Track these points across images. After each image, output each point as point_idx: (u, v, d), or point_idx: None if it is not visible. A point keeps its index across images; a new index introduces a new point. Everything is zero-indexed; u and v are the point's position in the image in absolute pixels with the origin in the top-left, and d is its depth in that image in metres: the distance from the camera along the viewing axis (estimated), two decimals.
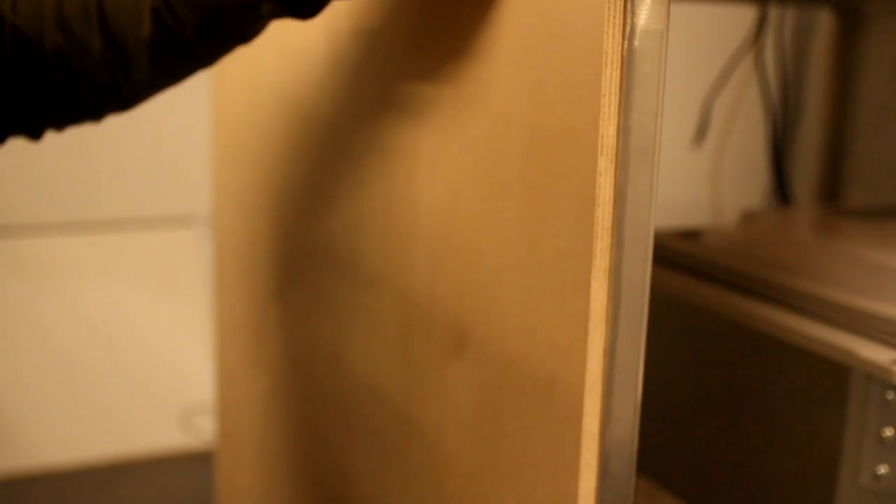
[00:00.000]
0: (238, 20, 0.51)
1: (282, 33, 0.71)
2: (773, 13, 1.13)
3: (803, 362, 0.60)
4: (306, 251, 0.72)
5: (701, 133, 1.12)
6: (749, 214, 0.85)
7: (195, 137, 1.20)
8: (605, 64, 0.40)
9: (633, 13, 0.39)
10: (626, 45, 0.40)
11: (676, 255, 0.75)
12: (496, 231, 0.48)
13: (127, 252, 1.68)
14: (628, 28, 0.39)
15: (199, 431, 1.64)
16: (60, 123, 0.56)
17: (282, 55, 0.72)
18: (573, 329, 0.43)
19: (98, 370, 1.67)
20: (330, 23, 0.64)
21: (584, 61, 0.40)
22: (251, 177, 0.82)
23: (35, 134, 0.56)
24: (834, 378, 0.58)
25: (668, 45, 0.40)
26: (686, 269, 0.74)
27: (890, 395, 0.56)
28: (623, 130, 0.40)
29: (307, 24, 0.67)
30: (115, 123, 1.66)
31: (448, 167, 0.52)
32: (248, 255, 0.85)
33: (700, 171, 1.15)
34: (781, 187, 1.13)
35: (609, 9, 0.39)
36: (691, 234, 0.81)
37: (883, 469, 0.57)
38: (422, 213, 0.55)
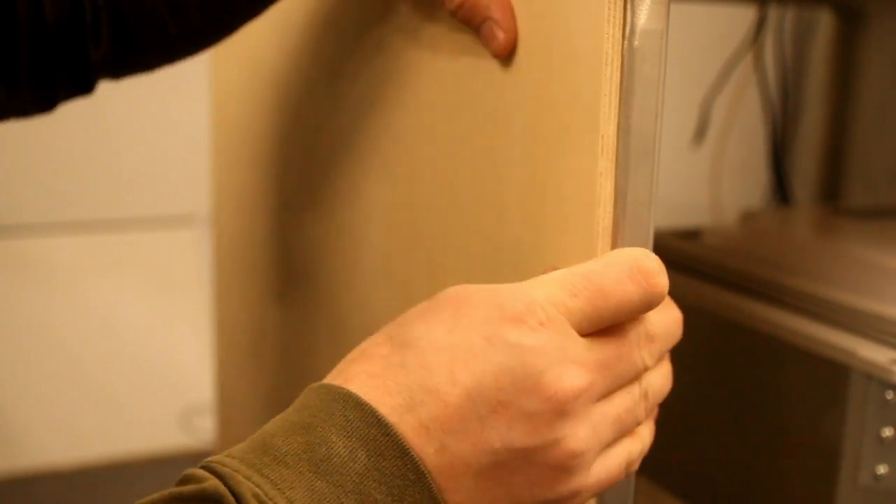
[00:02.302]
0: None
1: (283, 33, 0.71)
2: (773, 13, 1.13)
3: (803, 362, 0.60)
4: (306, 251, 0.72)
5: (701, 133, 1.12)
6: (749, 214, 0.85)
7: (195, 137, 1.20)
8: (605, 64, 0.40)
9: (633, 13, 0.39)
10: (626, 45, 0.40)
11: (676, 255, 0.75)
12: (496, 232, 0.48)
13: (127, 252, 1.68)
14: (628, 28, 0.39)
15: (199, 431, 1.64)
16: (113, 70, 0.56)
17: (282, 55, 0.72)
18: None
19: (98, 370, 1.67)
20: (333, 23, 0.64)
21: (584, 61, 0.40)
22: (251, 177, 0.82)
23: (87, 85, 0.55)
24: (833, 378, 0.58)
25: (668, 45, 0.40)
26: (686, 269, 0.74)
27: (890, 395, 0.56)
28: (623, 130, 0.40)
29: (309, 25, 0.67)
30: (115, 123, 1.66)
31: (448, 167, 0.52)
32: (248, 255, 0.85)
33: (700, 171, 1.15)
34: (781, 187, 1.13)
35: (609, 9, 0.39)
36: (691, 234, 0.81)
37: (882, 469, 0.57)
38: (422, 213, 0.55)
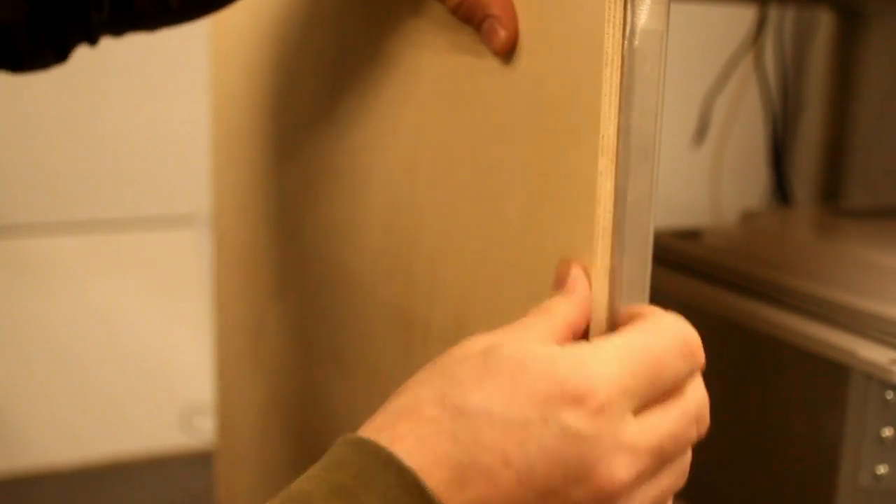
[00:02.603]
0: None
1: (282, 33, 0.71)
2: (773, 13, 1.13)
3: (803, 362, 0.60)
4: (306, 251, 0.72)
5: (701, 133, 1.12)
6: (749, 214, 0.85)
7: (195, 137, 1.20)
8: (605, 64, 0.40)
9: (633, 13, 0.39)
10: (626, 45, 0.40)
11: (676, 255, 0.75)
12: (496, 231, 0.48)
13: (127, 252, 1.69)
14: (628, 28, 0.39)
15: (199, 431, 1.64)
16: (114, 30, 0.57)
17: (282, 55, 0.72)
18: None
19: (98, 370, 1.67)
20: (333, 24, 0.64)
21: (584, 61, 0.40)
22: (251, 177, 0.82)
23: (93, 40, 0.57)
24: (834, 378, 0.58)
25: (668, 45, 0.40)
26: (686, 269, 0.74)
27: (890, 395, 0.56)
28: (623, 130, 0.40)
29: (309, 25, 0.67)
30: (115, 123, 1.66)
31: (448, 167, 0.52)
32: (248, 255, 0.85)
33: (700, 171, 1.15)
34: (781, 187, 1.13)
35: (609, 9, 0.39)
36: (691, 234, 0.81)
37: (882, 469, 0.57)
38: (422, 213, 0.55)
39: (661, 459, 0.37)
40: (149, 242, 1.69)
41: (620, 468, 0.36)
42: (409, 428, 0.36)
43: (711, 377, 0.69)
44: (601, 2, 0.39)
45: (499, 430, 0.35)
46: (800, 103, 1.19)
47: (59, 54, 0.56)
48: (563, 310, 0.41)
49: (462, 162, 0.50)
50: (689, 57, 1.12)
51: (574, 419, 0.35)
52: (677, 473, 0.39)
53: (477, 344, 0.39)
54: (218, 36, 0.87)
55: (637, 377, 0.37)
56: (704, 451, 0.70)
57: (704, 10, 1.22)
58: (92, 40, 0.57)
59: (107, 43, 0.58)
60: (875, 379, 0.56)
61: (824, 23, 1.15)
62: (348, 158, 0.63)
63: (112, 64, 1.52)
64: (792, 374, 0.62)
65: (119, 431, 1.68)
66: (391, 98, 0.57)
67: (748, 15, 1.08)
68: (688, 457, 0.40)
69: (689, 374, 0.38)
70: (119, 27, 0.57)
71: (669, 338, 0.38)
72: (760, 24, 1.07)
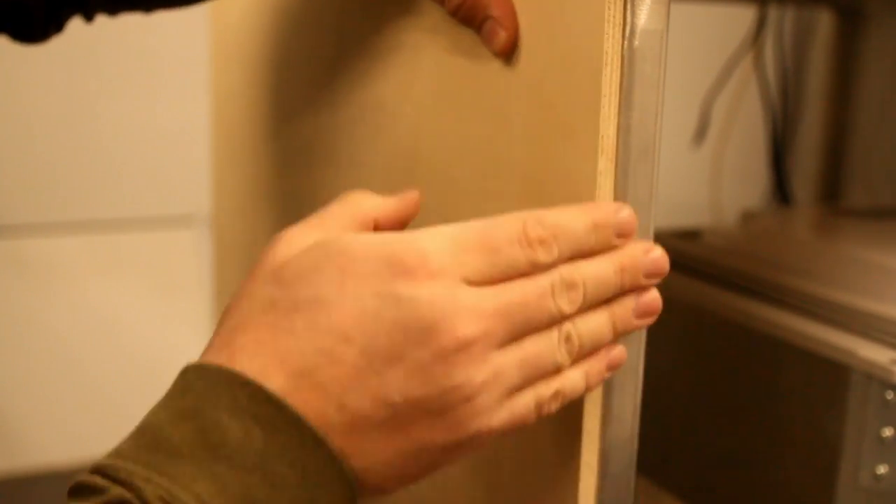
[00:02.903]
0: None
1: (282, 33, 0.71)
2: (773, 13, 1.13)
3: (803, 362, 0.60)
4: None
5: (701, 133, 1.12)
6: (749, 214, 0.85)
7: (195, 137, 1.20)
8: (605, 64, 0.40)
9: (633, 13, 0.39)
10: (626, 45, 0.40)
11: (676, 255, 0.75)
12: None
13: (127, 252, 1.68)
14: (628, 28, 0.39)
15: None
16: (108, 9, 0.58)
17: (282, 55, 0.72)
18: None
19: (97, 370, 1.67)
20: (332, 24, 0.64)
21: (584, 61, 0.40)
22: (251, 176, 0.82)
23: (88, 17, 0.58)
24: (834, 378, 0.58)
25: (668, 45, 0.40)
26: (686, 269, 0.74)
27: (890, 395, 0.56)
28: (623, 130, 0.40)
29: (309, 25, 0.67)
30: (115, 123, 1.66)
31: (448, 167, 0.52)
32: (248, 255, 0.85)
33: (700, 171, 1.15)
34: (781, 187, 1.14)
35: (609, 9, 0.39)
36: (691, 234, 0.81)
37: (883, 469, 0.57)
38: (422, 212, 0.55)
39: (510, 322, 0.37)
40: (148, 242, 1.69)
41: (462, 325, 0.35)
42: (246, 338, 0.37)
43: (712, 377, 0.69)
44: (601, 2, 0.39)
45: (335, 313, 0.36)
46: (800, 103, 1.19)
47: (57, 27, 0.58)
48: (369, 202, 0.44)
49: (462, 162, 0.50)
50: (689, 57, 1.12)
51: (407, 288, 0.36)
52: (550, 342, 0.38)
53: (294, 243, 0.40)
54: (218, 35, 0.87)
55: (469, 252, 0.37)
56: (705, 450, 0.70)
57: (704, 10, 1.22)
58: (88, 16, 0.58)
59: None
60: (875, 379, 0.56)
61: (824, 23, 1.15)
62: (348, 159, 0.63)
63: (112, 63, 1.52)
64: (792, 374, 0.62)
65: (119, 431, 1.67)
66: (391, 99, 0.57)
67: (748, 15, 1.08)
68: (576, 329, 0.38)
69: (530, 266, 0.37)
70: (114, 6, 0.58)
71: (509, 226, 0.37)
72: (760, 24, 1.07)
